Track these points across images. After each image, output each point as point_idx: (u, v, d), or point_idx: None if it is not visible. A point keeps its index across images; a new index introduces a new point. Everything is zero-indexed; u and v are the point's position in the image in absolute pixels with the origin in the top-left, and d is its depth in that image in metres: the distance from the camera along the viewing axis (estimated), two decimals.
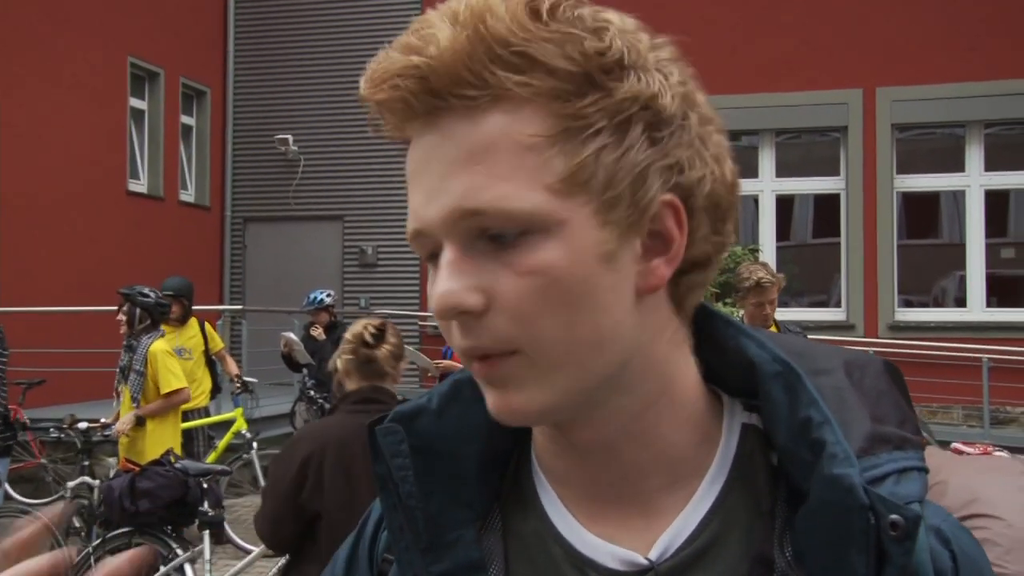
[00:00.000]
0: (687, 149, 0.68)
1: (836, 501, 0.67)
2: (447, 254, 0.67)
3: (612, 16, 0.68)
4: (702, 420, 0.75)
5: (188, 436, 7.35)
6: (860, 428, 0.71)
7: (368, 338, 3.25)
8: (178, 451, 5.72)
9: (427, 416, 0.78)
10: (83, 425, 5.98)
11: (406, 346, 7.78)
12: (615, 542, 0.73)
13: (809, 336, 5.09)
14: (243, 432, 7.49)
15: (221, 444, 7.54)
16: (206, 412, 7.60)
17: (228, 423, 7.86)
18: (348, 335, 3.30)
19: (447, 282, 0.66)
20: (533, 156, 0.65)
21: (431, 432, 0.78)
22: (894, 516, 0.66)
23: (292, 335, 8.58)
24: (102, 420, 5.82)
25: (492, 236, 0.66)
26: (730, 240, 0.74)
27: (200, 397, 7.42)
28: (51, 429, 6.61)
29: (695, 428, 0.74)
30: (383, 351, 3.25)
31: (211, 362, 7.66)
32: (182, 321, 7.44)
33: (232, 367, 7.94)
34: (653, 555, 0.72)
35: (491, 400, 0.69)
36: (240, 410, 7.74)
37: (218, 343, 7.69)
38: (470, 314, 0.66)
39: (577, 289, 0.65)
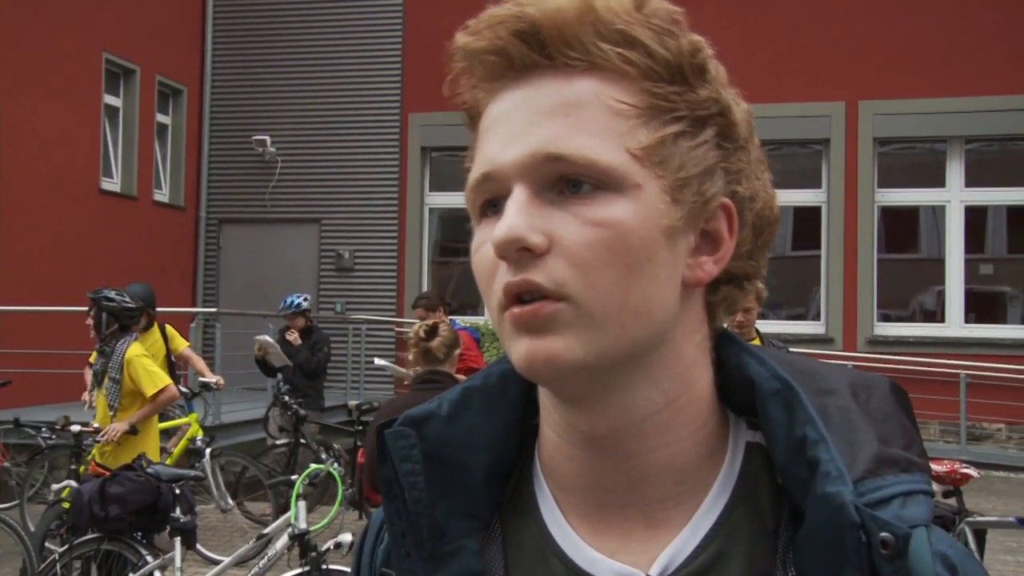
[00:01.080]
0: (747, 166, 0.74)
1: (830, 519, 0.67)
2: (517, 195, 0.68)
3: (701, 38, 0.74)
4: (712, 433, 0.75)
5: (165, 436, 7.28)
6: (867, 450, 0.71)
7: (423, 334, 4.22)
8: (156, 455, 5.55)
9: (437, 421, 0.78)
10: (75, 428, 5.83)
11: (376, 358, 7.71)
12: (616, 556, 0.73)
13: (788, 349, 5.08)
14: (196, 439, 7.29)
15: (176, 451, 7.34)
16: (165, 418, 7.42)
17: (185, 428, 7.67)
18: (411, 334, 4.27)
19: (514, 218, 0.67)
20: (620, 121, 0.69)
21: (440, 438, 0.77)
22: (884, 534, 0.66)
23: (267, 338, 8.43)
24: (94, 424, 5.65)
25: (564, 187, 0.68)
26: (762, 272, 0.79)
27: None
28: (43, 430, 6.45)
29: (705, 440, 0.75)
30: (436, 343, 4.20)
31: (171, 363, 7.47)
32: (146, 328, 7.26)
33: (201, 366, 7.73)
34: (654, 571, 0.71)
35: (523, 348, 0.68)
36: (194, 416, 7.53)
37: (180, 343, 7.47)
38: (529, 252, 0.67)
39: (639, 252, 0.67)
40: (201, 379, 7.58)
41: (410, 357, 4.35)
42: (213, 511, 7.66)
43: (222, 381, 7.71)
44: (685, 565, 0.71)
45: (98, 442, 5.45)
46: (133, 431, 5.41)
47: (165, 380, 5.58)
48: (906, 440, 0.73)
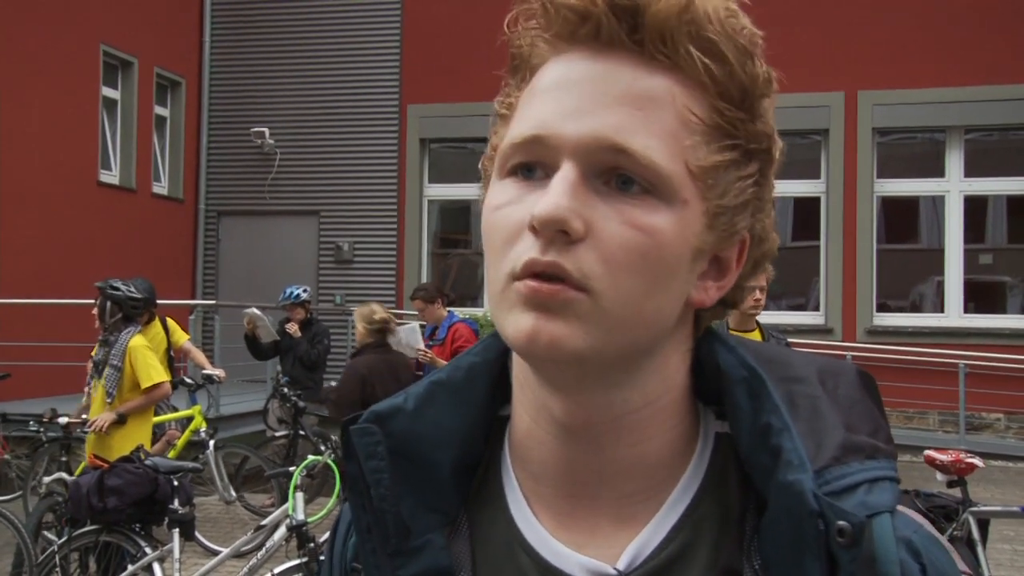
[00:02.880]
0: (767, 204, 0.75)
1: (790, 507, 0.67)
2: (568, 173, 0.67)
3: (772, 71, 0.73)
4: (684, 432, 0.76)
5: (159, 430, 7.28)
6: (833, 437, 0.71)
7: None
8: (148, 447, 5.56)
9: (403, 417, 0.77)
10: (63, 420, 5.83)
11: (400, 326, 7.95)
12: (583, 550, 0.73)
13: (788, 340, 5.08)
14: (200, 430, 7.29)
15: (179, 442, 7.34)
16: (170, 408, 7.48)
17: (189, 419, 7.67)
18: (358, 316, 5.36)
19: (561, 197, 0.65)
20: (686, 132, 0.68)
21: (406, 433, 0.77)
22: (841, 523, 0.66)
23: (255, 310, 8.41)
24: (83, 416, 5.66)
25: (612, 179, 0.67)
26: (745, 295, 0.79)
27: None
28: (31, 423, 6.45)
29: (678, 436, 0.75)
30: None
31: (171, 358, 7.49)
32: (147, 323, 7.27)
33: (201, 359, 7.75)
34: (621, 564, 0.71)
35: (526, 323, 0.67)
36: (198, 408, 7.54)
37: (181, 336, 7.48)
38: (566, 235, 0.66)
39: (668, 265, 0.68)
40: (204, 372, 7.59)
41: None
42: (213, 503, 7.67)
43: (223, 374, 7.72)
44: (652, 557, 0.71)
45: (87, 432, 5.47)
46: (121, 420, 5.42)
47: (163, 376, 5.61)
48: (872, 426, 0.73)
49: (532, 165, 0.69)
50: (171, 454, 7.06)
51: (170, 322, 7.44)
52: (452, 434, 0.77)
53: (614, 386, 0.71)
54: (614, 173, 0.67)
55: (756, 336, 5.02)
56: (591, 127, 0.66)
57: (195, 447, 7.39)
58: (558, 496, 0.75)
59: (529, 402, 0.75)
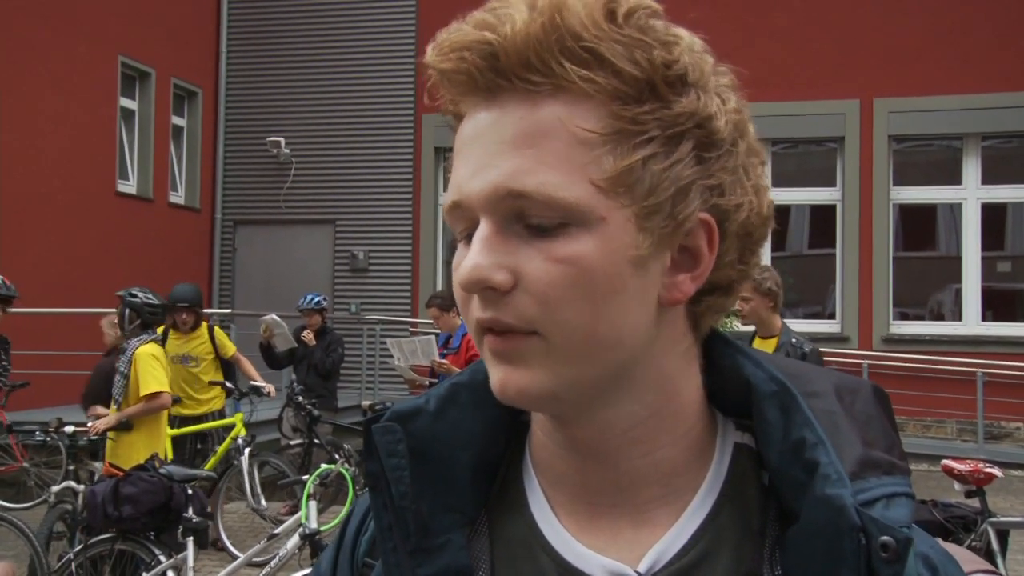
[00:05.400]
0: (731, 174, 0.71)
1: (828, 521, 0.67)
2: (482, 229, 0.68)
3: (683, 33, 0.70)
4: (699, 437, 0.76)
5: (203, 438, 7.27)
6: (852, 452, 0.71)
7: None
8: (168, 456, 5.59)
9: (424, 417, 0.78)
10: (69, 429, 5.86)
11: (397, 363, 7.62)
12: (604, 553, 0.73)
13: (811, 348, 5.03)
14: (238, 438, 7.29)
15: (220, 449, 7.35)
16: (220, 415, 7.45)
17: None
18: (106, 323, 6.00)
19: (477, 256, 0.67)
20: (584, 151, 0.66)
21: (427, 433, 0.77)
22: (885, 538, 0.66)
23: (275, 317, 8.38)
24: (89, 424, 5.68)
25: (529, 224, 0.67)
26: (753, 272, 0.77)
27: (212, 401, 7.34)
28: (37, 432, 6.46)
29: (692, 444, 0.75)
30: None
31: (226, 365, 7.51)
32: (193, 328, 7.30)
33: (251, 370, 7.69)
34: (642, 567, 0.71)
35: (496, 376, 0.70)
36: (240, 416, 7.53)
37: (229, 348, 7.50)
38: (495, 291, 0.67)
39: (605, 286, 0.67)
40: (253, 383, 7.55)
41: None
42: (231, 509, 7.68)
43: (273, 391, 7.63)
44: (672, 563, 0.71)
45: (92, 439, 5.49)
46: (127, 427, 5.43)
47: (163, 386, 5.56)
48: (888, 443, 0.73)
49: (466, 228, 0.70)
50: (211, 461, 7.06)
51: (218, 332, 7.48)
52: (472, 435, 0.78)
53: (611, 405, 0.72)
54: (526, 215, 0.67)
55: (773, 344, 4.99)
56: (488, 180, 0.67)
57: (232, 453, 7.37)
58: (576, 503, 0.76)
59: (543, 424, 0.77)
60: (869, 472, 0.70)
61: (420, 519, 0.75)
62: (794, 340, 5.03)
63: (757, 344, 5.06)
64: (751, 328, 5.20)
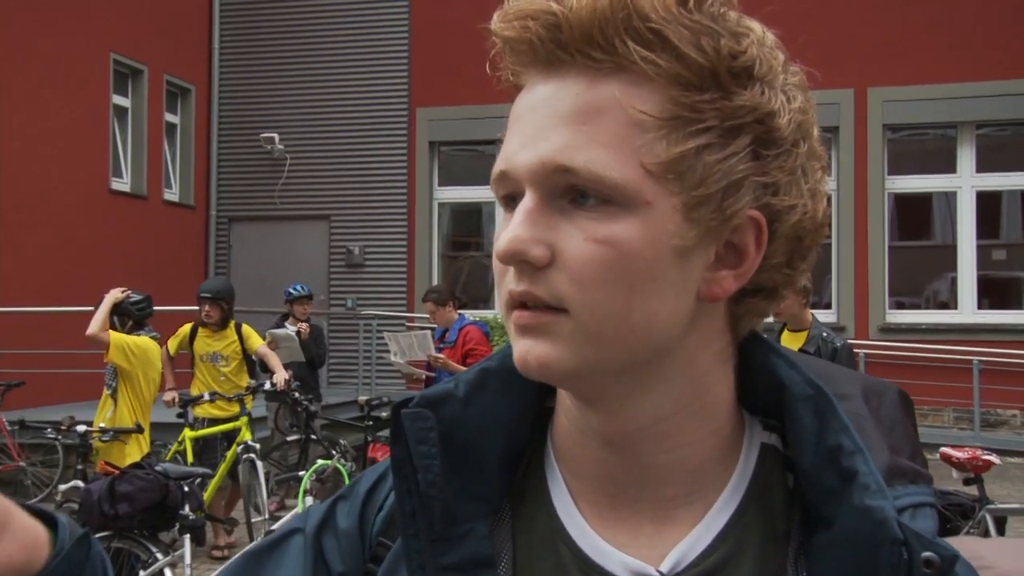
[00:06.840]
0: (788, 175, 0.69)
1: (866, 533, 0.66)
2: (526, 201, 0.68)
3: (755, 26, 0.70)
4: (727, 437, 0.74)
5: (231, 438, 7.04)
6: (879, 459, 0.70)
7: None
8: (146, 447, 5.61)
9: (453, 403, 0.76)
10: (80, 428, 5.84)
11: (394, 358, 7.43)
12: (625, 549, 0.72)
13: (841, 342, 4.98)
14: (245, 441, 7.11)
15: (231, 452, 7.18)
16: (248, 415, 7.23)
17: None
18: None
19: (518, 228, 0.67)
20: (638, 133, 0.66)
21: (456, 420, 0.76)
22: (929, 554, 0.65)
23: (288, 331, 8.24)
24: (101, 425, 5.69)
25: (574, 197, 0.66)
26: (802, 278, 0.74)
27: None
28: (48, 430, 6.44)
29: (719, 443, 0.74)
30: None
31: (251, 362, 7.37)
32: (221, 325, 7.15)
33: (276, 364, 7.40)
34: (665, 567, 0.70)
35: (520, 349, 0.69)
36: (245, 419, 7.39)
37: (256, 342, 7.34)
38: (531, 265, 0.67)
39: (643, 272, 0.66)
40: (270, 381, 7.34)
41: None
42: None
43: (283, 381, 7.35)
44: (696, 564, 0.70)
45: (105, 440, 5.50)
46: (139, 429, 5.45)
47: (102, 328, 5.86)
48: (912, 449, 0.73)
49: (512, 195, 0.70)
50: (223, 466, 6.91)
51: (246, 328, 7.37)
52: (500, 422, 0.77)
53: (636, 394, 0.71)
54: (572, 190, 0.66)
55: (803, 337, 4.95)
56: (538, 153, 0.66)
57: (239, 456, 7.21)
58: (599, 496, 0.75)
59: (570, 412, 0.76)
60: (896, 480, 0.70)
61: (446, 507, 0.74)
62: (825, 334, 4.97)
63: (786, 337, 5.01)
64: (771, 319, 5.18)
